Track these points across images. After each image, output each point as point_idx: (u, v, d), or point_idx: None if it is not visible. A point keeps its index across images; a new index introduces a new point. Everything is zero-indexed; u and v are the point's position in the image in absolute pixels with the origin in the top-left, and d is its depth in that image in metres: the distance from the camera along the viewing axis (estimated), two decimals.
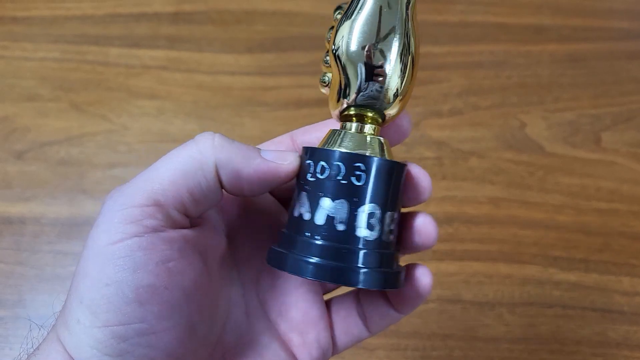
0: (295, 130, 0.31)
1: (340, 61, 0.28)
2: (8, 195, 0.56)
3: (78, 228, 0.54)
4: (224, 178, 0.26)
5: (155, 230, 0.24)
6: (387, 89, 0.28)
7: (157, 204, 0.25)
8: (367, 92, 0.28)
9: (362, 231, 0.26)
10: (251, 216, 0.31)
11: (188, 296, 0.25)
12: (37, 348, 0.26)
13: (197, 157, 0.25)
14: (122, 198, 0.25)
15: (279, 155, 0.27)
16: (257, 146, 0.29)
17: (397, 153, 0.59)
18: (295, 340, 0.30)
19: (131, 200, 0.25)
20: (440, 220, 0.55)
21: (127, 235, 0.24)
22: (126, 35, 0.65)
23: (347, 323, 0.31)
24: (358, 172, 0.26)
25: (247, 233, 0.30)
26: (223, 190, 0.27)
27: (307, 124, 0.32)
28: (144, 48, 0.65)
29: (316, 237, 0.26)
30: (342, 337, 0.31)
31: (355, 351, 0.49)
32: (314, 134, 0.30)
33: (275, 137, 0.32)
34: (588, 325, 0.50)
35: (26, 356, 0.26)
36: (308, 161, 0.27)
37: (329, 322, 0.30)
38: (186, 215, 0.26)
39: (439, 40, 0.67)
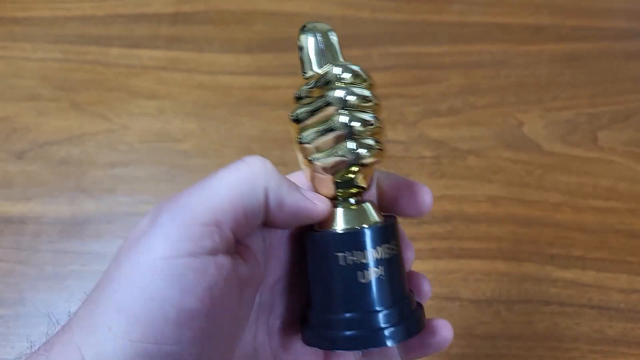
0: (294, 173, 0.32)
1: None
2: (9, 195, 0.56)
3: (78, 227, 0.54)
4: (270, 203, 0.26)
5: (210, 252, 0.24)
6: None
7: (217, 224, 0.24)
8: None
9: None
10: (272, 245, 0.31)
11: (221, 326, 0.25)
12: (50, 348, 0.24)
13: (251, 178, 0.26)
14: (183, 213, 0.24)
15: (316, 197, 0.28)
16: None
17: (395, 151, 0.59)
18: None
19: (192, 217, 0.24)
20: (439, 219, 0.56)
21: (182, 253, 0.23)
22: (126, 36, 0.66)
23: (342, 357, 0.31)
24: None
25: (268, 261, 0.30)
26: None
27: None
28: (144, 48, 0.65)
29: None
30: None
31: None
32: None
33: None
34: (585, 323, 0.51)
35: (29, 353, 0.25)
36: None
37: (323, 356, 0.31)
38: (236, 238, 0.26)
39: (438, 40, 0.67)
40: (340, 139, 0.28)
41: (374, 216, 0.29)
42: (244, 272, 0.26)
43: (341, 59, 0.30)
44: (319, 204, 0.28)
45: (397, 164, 0.59)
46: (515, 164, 0.59)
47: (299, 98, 0.30)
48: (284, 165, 0.54)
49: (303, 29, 0.30)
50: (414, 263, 0.53)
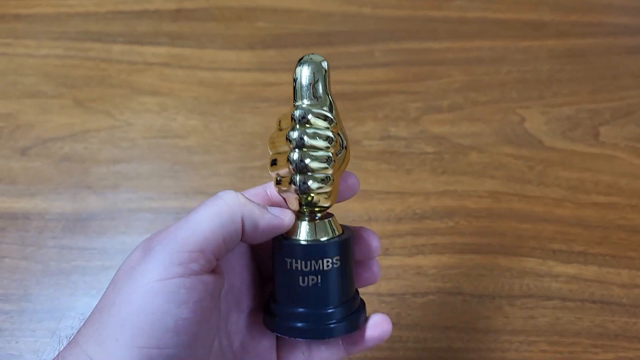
0: (267, 184, 0.36)
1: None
2: (13, 191, 0.56)
3: (82, 223, 0.55)
4: (246, 228, 0.31)
5: (197, 273, 0.29)
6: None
7: (201, 250, 0.29)
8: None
9: None
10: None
11: (209, 330, 0.30)
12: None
13: (228, 211, 0.31)
14: (172, 244, 0.29)
15: (281, 212, 0.33)
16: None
17: (397, 147, 0.59)
18: None
19: (180, 246, 0.29)
20: (441, 214, 0.56)
21: (174, 275, 0.28)
22: (128, 32, 0.66)
23: (292, 353, 0.36)
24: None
25: (226, 270, 0.35)
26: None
27: None
28: (146, 45, 0.65)
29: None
30: None
31: None
32: None
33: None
34: (587, 317, 0.51)
35: None
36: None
37: (276, 354, 0.36)
38: (216, 259, 0.30)
39: (439, 36, 0.67)
40: (293, 172, 0.33)
41: (329, 232, 0.34)
42: (221, 284, 0.31)
43: (321, 94, 0.33)
44: (285, 219, 0.33)
45: (399, 160, 0.59)
46: (517, 160, 0.59)
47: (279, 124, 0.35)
48: None
49: (299, 61, 0.33)
50: (417, 257, 0.53)
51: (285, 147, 0.33)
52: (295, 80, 0.33)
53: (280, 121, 0.35)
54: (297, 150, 0.32)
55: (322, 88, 0.33)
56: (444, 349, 0.49)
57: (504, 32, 0.68)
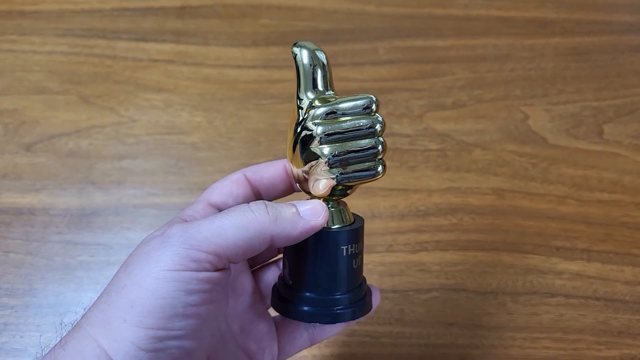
0: (246, 169, 0.36)
1: None
2: (18, 187, 0.56)
3: (87, 219, 0.55)
4: (277, 244, 0.31)
5: (209, 270, 0.29)
6: None
7: (217, 255, 0.29)
8: None
9: None
10: None
11: (215, 319, 0.30)
12: (65, 344, 0.28)
13: (257, 228, 0.30)
14: (192, 240, 0.29)
15: (314, 212, 0.32)
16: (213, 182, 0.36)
17: (401, 144, 0.59)
18: (252, 347, 0.36)
19: (199, 245, 0.29)
20: (445, 211, 0.56)
21: (187, 268, 0.28)
22: (133, 29, 0.66)
23: (293, 336, 0.37)
24: None
25: None
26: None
27: None
28: (151, 42, 0.65)
29: None
30: (287, 347, 0.38)
31: (360, 339, 0.49)
32: (265, 173, 0.36)
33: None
34: (591, 314, 0.51)
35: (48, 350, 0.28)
36: None
37: (276, 335, 0.37)
38: (231, 262, 0.31)
39: (443, 34, 0.67)
40: (369, 160, 0.32)
41: (343, 220, 0.34)
42: (229, 277, 0.31)
43: (327, 83, 0.33)
44: (319, 219, 0.32)
45: (403, 156, 0.59)
46: (521, 157, 0.59)
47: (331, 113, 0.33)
48: None
49: (295, 44, 0.33)
50: (421, 254, 0.53)
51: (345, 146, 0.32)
52: (302, 66, 0.33)
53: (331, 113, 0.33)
54: (372, 137, 0.32)
55: (329, 78, 0.33)
56: (448, 345, 0.49)
57: (508, 29, 0.68)
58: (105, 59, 0.64)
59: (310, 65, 0.33)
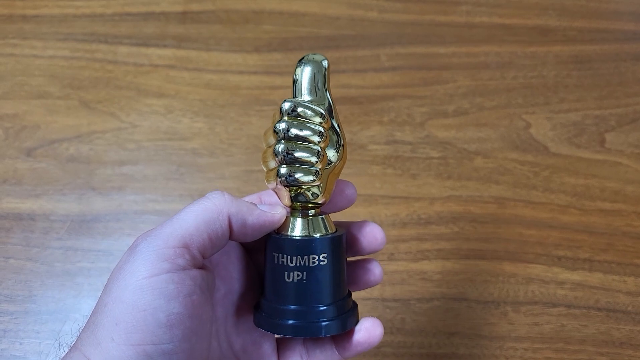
0: (262, 192, 0.38)
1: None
2: (18, 192, 0.56)
3: (87, 224, 0.55)
4: (234, 226, 0.32)
5: (183, 268, 0.29)
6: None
7: (186, 246, 0.30)
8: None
9: None
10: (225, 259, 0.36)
11: (202, 324, 0.30)
12: None
13: (214, 209, 0.31)
14: (156, 241, 0.29)
15: (272, 208, 0.34)
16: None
17: (402, 152, 0.59)
18: None
19: (165, 243, 0.29)
20: (446, 220, 0.56)
21: (162, 271, 0.28)
22: (135, 34, 0.66)
23: (291, 356, 0.36)
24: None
25: (222, 274, 0.36)
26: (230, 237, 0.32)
27: None
28: (153, 47, 0.65)
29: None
30: None
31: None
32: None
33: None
34: (592, 325, 0.51)
35: None
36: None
37: (277, 357, 0.37)
38: (203, 256, 0.31)
39: (445, 41, 0.67)
40: (278, 163, 0.33)
41: (321, 229, 0.34)
42: (210, 280, 0.32)
43: (320, 92, 0.34)
44: (275, 214, 0.33)
45: (404, 164, 0.59)
46: (522, 166, 0.59)
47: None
48: None
49: (300, 61, 0.35)
50: (422, 262, 0.53)
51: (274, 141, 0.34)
52: (294, 80, 0.35)
53: (274, 114, 0.35)
54: (282, 141, 0.32)
55: (321, 86, 0.34)
56: (449, 355, 0.49)
57: (510, 37, 0.68)
58: (106, 64, 0.64)
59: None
